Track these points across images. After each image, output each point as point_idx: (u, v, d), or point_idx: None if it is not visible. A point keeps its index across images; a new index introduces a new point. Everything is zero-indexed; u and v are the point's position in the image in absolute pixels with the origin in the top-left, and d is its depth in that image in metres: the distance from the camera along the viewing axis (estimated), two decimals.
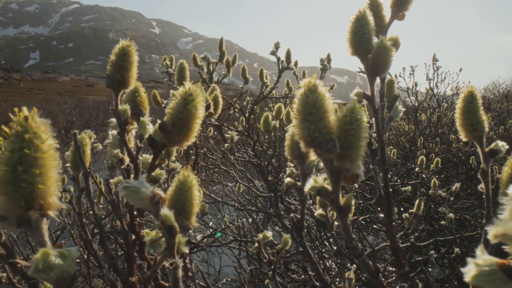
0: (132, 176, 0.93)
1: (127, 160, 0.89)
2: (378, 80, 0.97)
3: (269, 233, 1.20)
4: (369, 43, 0.79)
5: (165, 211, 0.49)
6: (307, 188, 0.52)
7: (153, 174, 0.92)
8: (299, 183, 0.78)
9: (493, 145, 0.79)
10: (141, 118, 0.86)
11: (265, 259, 1.18)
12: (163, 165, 1.86)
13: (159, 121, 0.60)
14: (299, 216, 0.83)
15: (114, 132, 0.91)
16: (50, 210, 0.39)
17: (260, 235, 1.19)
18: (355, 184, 0.91)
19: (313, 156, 0.69)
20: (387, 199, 0.97)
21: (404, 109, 1.19)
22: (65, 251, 0.36)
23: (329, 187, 0.51)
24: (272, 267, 1.16)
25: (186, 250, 0.66)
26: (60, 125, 17.47)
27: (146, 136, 0.79)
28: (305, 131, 0.48)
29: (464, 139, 0.81)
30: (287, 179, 0.79)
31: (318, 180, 0.52)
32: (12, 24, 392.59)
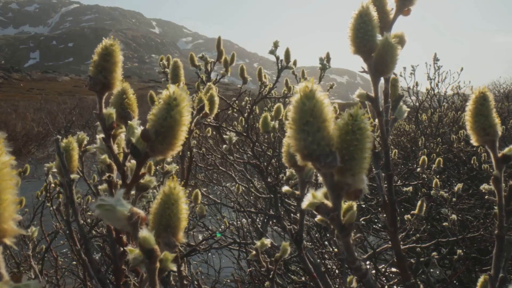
0: (119, 182, 0.88)
1: (115, 166, 0.84)
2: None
3: (267, 241, 1.15)
4: (372, 40, 0.73)
5: (144, 233, 0.43)
6: (304, 204, 0.46)
7: (142, 181, 0.86)
8: (297, 192, 0.72)
9: (506, 150, 0.73)
10: (129, 121, 0.80)
11: (263, 267, 1.13)
12: (157, 167, 1.80)
13: (141, 128, 0.55)
14: (298, 227, 0.77)
15: (102, 136, 0.86)
16: (6, 238, 0.34)
17: (258, 243, 1.13)
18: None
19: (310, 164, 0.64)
20: (391, 206, 0.91)
21: (408, 109, 1.14)
22: (22, 286, 0.31)
23: (329, 203, 0.46)
24: (271, 276, 1.11)
25: (173, 267, 0.60)
26: (60, 125, 17.43)
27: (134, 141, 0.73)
28: (301, 143, 0.42)
29: (475, 144, 0.76)
30: (285, 188, 0.74)
31: (316, 195, 0.46)
32: (12, 24, 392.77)
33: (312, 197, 0.46)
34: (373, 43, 0.74)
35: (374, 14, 0.75)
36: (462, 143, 5.34)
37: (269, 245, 1.08)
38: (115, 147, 0.89)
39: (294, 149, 0.44)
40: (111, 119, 0.72)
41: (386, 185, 0.97)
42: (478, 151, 4.68)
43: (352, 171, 0.43)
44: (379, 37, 0.81)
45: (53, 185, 2.30)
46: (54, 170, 0.98)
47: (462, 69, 7.05)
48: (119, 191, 0.44)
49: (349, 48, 0.77)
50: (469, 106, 0.76)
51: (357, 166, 0.43)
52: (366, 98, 0.82)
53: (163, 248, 0.55)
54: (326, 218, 0.46)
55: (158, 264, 0.45)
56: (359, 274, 0.50)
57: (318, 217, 1.04)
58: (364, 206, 4.31)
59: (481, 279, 1.03)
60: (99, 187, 0.94)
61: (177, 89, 0.52)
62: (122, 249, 0.84)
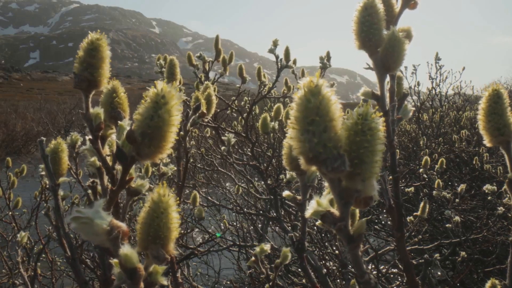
0: (108, 183, 0.83)
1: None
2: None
3: (267, 246, 1.10)
4: (378, 34, 0.68)
5: (125, 249, 0.38)
6: (308, 213, 0.41)
7: (133, 185, 0.81)
8: (299, 197, 0.67)
9: None
10: (119, 122, 0.75)
11: (263, 274, 1.08)
12: (153, 169, 1.75)
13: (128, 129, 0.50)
14: (300, 235, 0.73)
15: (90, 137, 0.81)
16: None
17: (257, 248, 1.09)
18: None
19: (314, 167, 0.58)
20: (398, 210, 0.86)
21: (413, 108, 1.09)
22: None
23: (336, 212, 0.41)
24: (271, 283, 1.06)
25: (164, 282, 0.55)
26: (60, 125, 17.39)
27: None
28: (305, 145, 0.37)
29: (489, 145, 0.71)
30: (286, 193, 0.69)
31: (322, 202, 0.41)
32: (12, 24, 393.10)
33: (317, 204, 0.41)
34: (379, 37, 0.69)
35: (380, 6, 0.70)
36: (463, 143, 5.29)
37: (269, 251, 1.03)
38: (106, 149, 0.84)
39: (298, 151, 0.39)
40: (99, 119, 0.67)
41: (391, 188, 0.92)
42: (480, 151, 4.63)
43: (362, 176, 0.38)
44: (384, 32, 0.76)
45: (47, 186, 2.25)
46: (43, 172, 0.93)
47: (464, 69, 7.00)
48: (98, 202, 0.39)
49: (354, 43, 0.72)
50: (482, 104, 0.71)
51: (368, 171, 0.38)
52: (372, 96, 0.77)
53: (151, 261, 0.50)
54: (333, 228, 0.41)
55: (142, 285, 0.40)
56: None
57: (319, 221, 0.99)
58: None
59: (488, 284, 0.97)
60: (89, 191, 0.89)
61: (166, 85, 0.47)
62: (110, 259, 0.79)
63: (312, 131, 0.37)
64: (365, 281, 0.45)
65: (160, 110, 0.47)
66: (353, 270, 1.85)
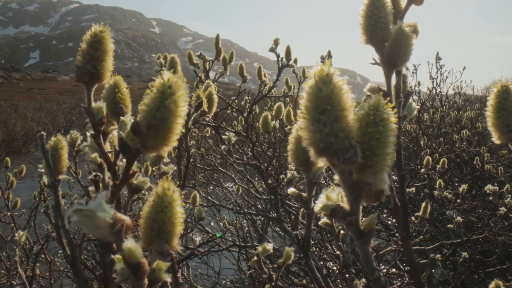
0: (109, 180, 0.82)
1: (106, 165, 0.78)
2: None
3: (269, 246, 1.09)
4: (386, 29, 0.67)
5: (129, 243, 0.37)
6: (317, 207, 0.40)
7: (135, 182, 0.80)
8: (304, 194, 0.66)
9: None
10: (121, 117, 0.74)
11: (265, 274, 1.07)
12: (154, 168, 1.74)
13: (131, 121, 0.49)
14: (305, 233, 0.71)
15: (91, 133, 0.79)
16: None
17: (260, 248, 1.07)
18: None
19: (321, 162, 0.57)
20: (403, 209, 0.85)
21: (418, 107, 1.08)
22: None
23: (346, 206, 0.40)
24: (273, 284, 1.05)
25: (168, 278, 0.54)
26: (60, 124, 17.39)
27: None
28: (316, 135, 0.36)
29: (497, 142, 0.70)
30: (291, 190, 0.67)
31: (331, 196, 0.40)
32: (12, 24, 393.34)
33: (326, 198, 0.40)
34: (386, 31, 0.68)
35: (387, 0, 0.69)
36: (464, 143, 5.28)
37: (271, 251, 1.02)
38: (107, 145, 0.83)
39: (308, 142, 0.38)
40: (101, 114, 0.66)
41: (397, 187, 0.91)
42: (481, 151, 4.63)
43: (374, 168, 0.37)
44: (391, 27, 0.75)
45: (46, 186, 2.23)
46: (42, 170, 0.92)
47: (464, 68, 7.00)
48: (101, 194, 0.38)
49: (360, 38, 0.71)
50: (491, 100, 0.70)
51: (379, 163, 0.37)
52: (378, 92, 0.76)
53: (155, 256, 0.49)
54: (343, 223, 0.40)
55: (146, 281, 0.39)
56: (378, 286, 0.44)
57: (322, 220, 0.98)
58: (365, 205, 4.25)
59: (491, 285, 0.96)
60: (89, 188, 0.88)
61: (172, 76, 0.46)
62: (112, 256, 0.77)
63: (323, 121, 0.35)
64: (375, 278, 0.44)
65: (166, 100, 0.45)
66: (353, 271, 1.83)
